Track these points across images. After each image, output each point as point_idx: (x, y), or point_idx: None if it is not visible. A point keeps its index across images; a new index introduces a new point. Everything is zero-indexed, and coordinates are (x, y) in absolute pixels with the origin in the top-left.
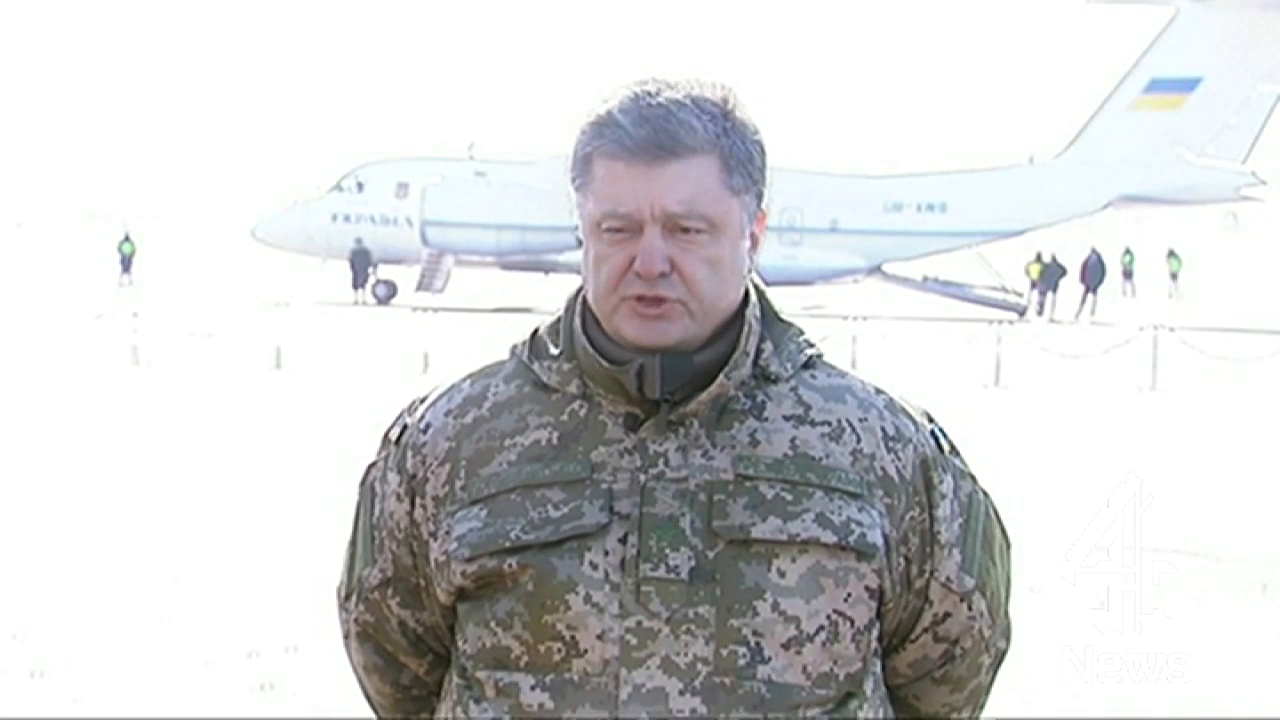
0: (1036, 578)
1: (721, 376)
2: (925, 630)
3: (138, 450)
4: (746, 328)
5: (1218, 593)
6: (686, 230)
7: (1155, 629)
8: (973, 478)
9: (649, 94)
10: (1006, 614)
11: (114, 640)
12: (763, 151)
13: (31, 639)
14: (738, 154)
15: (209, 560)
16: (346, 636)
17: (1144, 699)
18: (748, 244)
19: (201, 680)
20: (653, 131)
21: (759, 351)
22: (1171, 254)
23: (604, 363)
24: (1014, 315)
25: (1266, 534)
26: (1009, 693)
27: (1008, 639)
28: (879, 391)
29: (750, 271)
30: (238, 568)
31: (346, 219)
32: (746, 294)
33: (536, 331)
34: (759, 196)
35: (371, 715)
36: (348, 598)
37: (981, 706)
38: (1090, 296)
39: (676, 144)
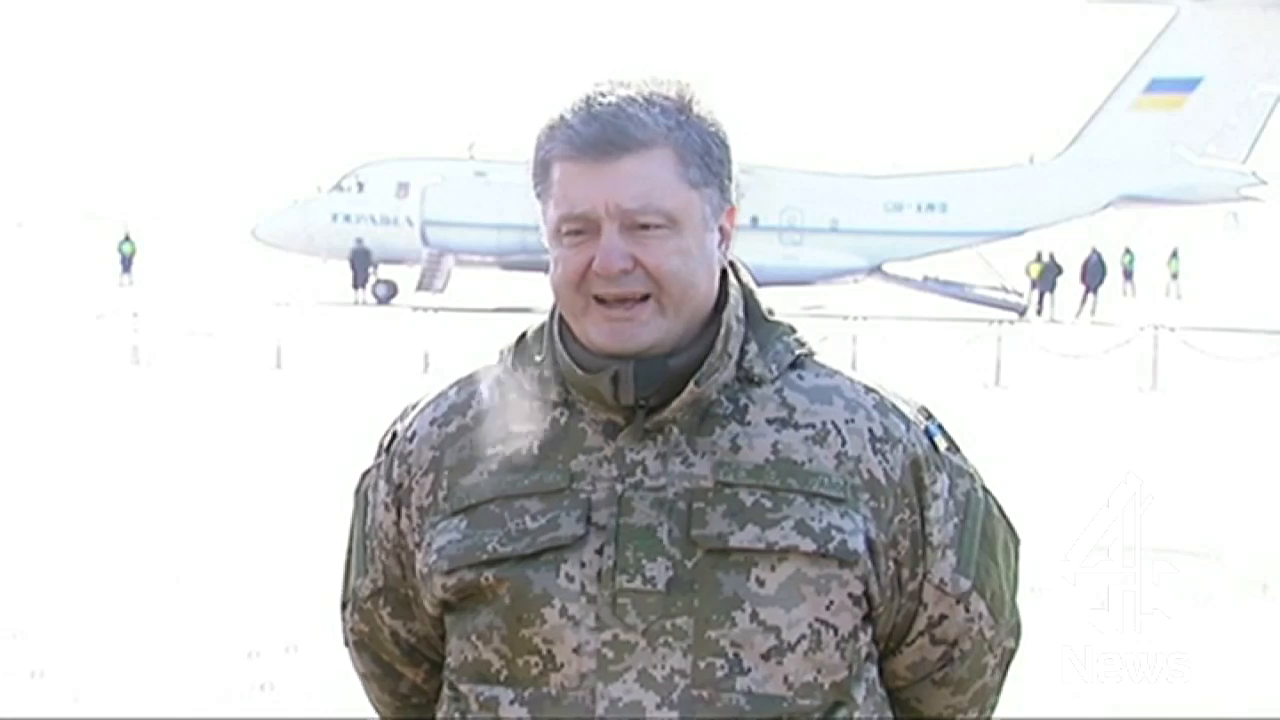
0: (1037, 578)
1: (691, 384)
2: (921, 633)
3: (138, 450)
4: (725, 329)
5: (1218, 593)
6: (645, 226)
7: (1155, 629)
8: (972, 475)
9: (601, 94)
10: (1014, 612)
11: (114, 640)
12: (723, 144)
13: (31, 639)
14: (693, 146)
15: (209, 560)
16: (346, 645)
17: (1144, 699)
18: (715, 238)
19: (201, 680)
20: (602, 128)
21: (743, 353)
22: (1173, 254)
23: (579, 370)
24: (1014, 315)
25: (1266, 534)
26: (1009, 693)
27: (1017, 638)
28: (869, 390)
29: (723, 266)
30: (238, 568)
31: (347, 219)
32: (726, 295)
33: (523, 336)
34: (723, 190)
35: (372, 715)
36: (344, 607)
37: (992, 707)
38: (1091, 296)
39: (626, 139)
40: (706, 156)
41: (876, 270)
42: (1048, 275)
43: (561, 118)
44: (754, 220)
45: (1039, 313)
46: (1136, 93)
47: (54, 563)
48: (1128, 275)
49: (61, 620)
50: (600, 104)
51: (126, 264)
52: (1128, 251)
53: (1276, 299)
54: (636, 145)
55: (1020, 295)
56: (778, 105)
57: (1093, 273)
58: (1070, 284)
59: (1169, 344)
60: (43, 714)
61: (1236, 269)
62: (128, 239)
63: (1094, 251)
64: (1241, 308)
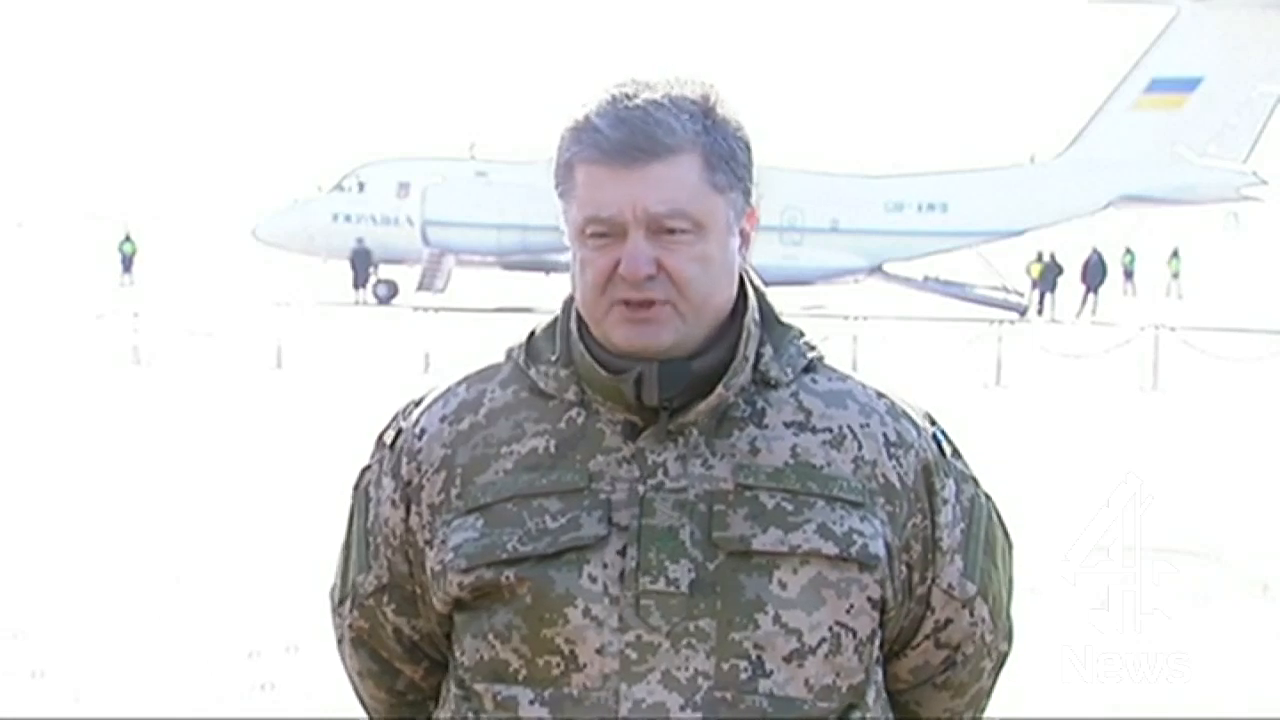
0: (1036, 578)
1: (720, 386)
2: (927, 637)
3: (138, 450)
4: (745, 333)
5: (1218, 593)
6: (671, 231)
7: (1155, 629)
8: (975, 481)
9: (627, 96)
10: (1009, 617)
11: (114, 640)
12: (747, 148)
13: (32, 639)
14: (719, 151)
15: (209, 560)
16: (340, 641)
17: (1144, 699)
18: (737, 242)
19: (201, 680)
20: (630, 133)
21: (758, 356)
22: (1174, 254)
23: (601, 371)
24: (1014, 315)
25: (1266, 534)
26: (1009, 693)
27: (1010, 642)
28: (880, 395)
29: (741, 269)
30: (238, 568)
31: (347, 219)
32: (745, 297)
33: (533, 334)
34: (746, 193)
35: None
36: (341, 603)
37: (983, 710)
38: (1091, 296)
39: (655, 144)
40: (732, 161)
41: (877, 270)
42: (1048, 275)
43: (587, 119)
44: None
45: (1039, 313)
46: (1137, 93)
47: (54, 563)
48: (1128, 275)
49: (62, 620)
50: (627, 107)
51: (127, 264)
52: (1128, 251)
53: (1276, 299)
54: (664, 151)
55: (1021, 295)
56: (778, 105)
57: (1093, 273)
58: (1070, 284)
59: (1169, 344)
60: (43, 714)
61: (1236, 269)
62: (128, 239)
63: (1094, 251)
64: (1241, 308)
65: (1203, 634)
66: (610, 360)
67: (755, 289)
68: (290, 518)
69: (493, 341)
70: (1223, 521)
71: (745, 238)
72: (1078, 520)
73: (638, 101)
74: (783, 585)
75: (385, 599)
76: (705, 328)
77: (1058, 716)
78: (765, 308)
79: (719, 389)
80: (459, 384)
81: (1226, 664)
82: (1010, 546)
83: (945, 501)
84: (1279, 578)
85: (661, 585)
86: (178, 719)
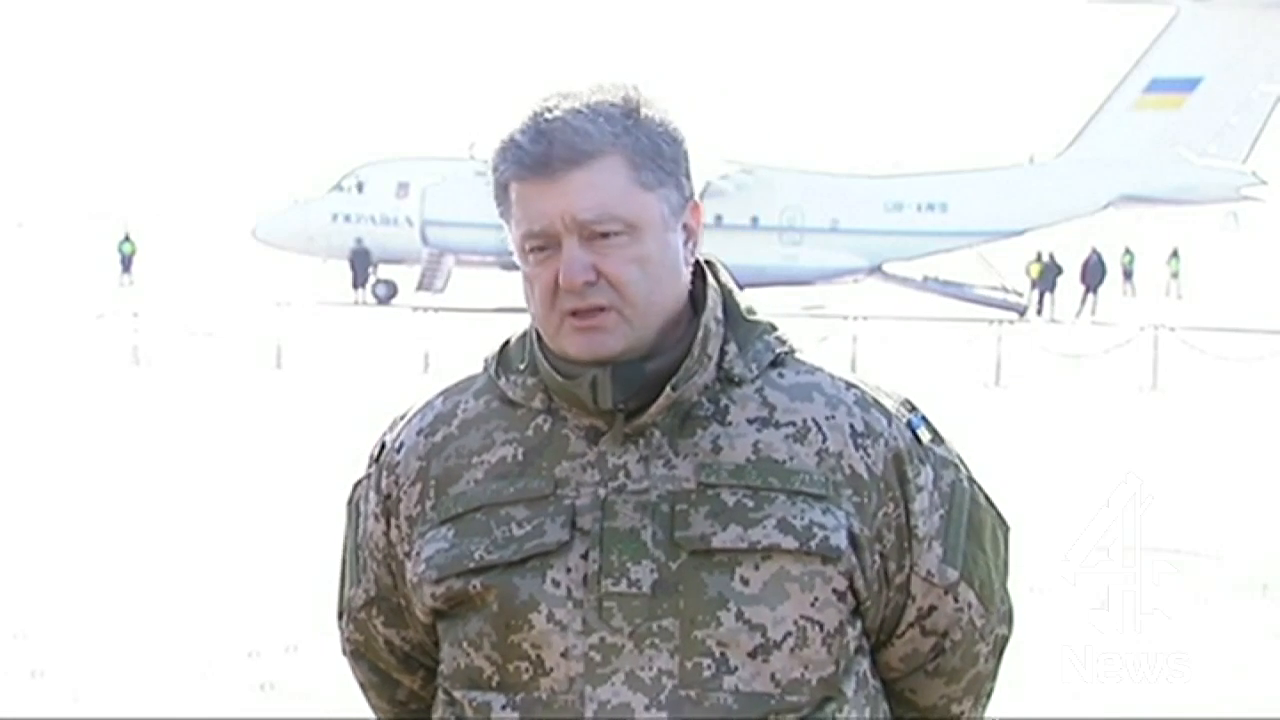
0: (1037, 578)
1: (668, 388)
2: (911, 625)
3: (138, 450)
4: (703, 332)
5: (1218, 593)
6: (605, 235)
7: (1155, 629)
8: (956, 465)
9: (547, 109)
10: (1005, 600)
11: (114, 640)
12: (674, 142)
13: (32, 638)
14: (643, 149)
15: (209, 560)
16: (344, 654)
17: (1144, 699)
18: (679, 237)
19: (201, 680)
20: (550, 144)
21: (722, 354)
22: (1173, 254)
23: (558, 377)
24: (1014, 315)
25: (1267, 534)
26: (1009, 693)
27: (1010, 625)
28: (850, 386)
29: (689, 262)
30: (238, 568)
31: (347, 219)
32: (706, 296)
33: (507, 344)
34: (680, 188)
35: (370, 715)
36: (340, 617)
37: (988, 694)
38: (1091, 296)
39: (575, 152)
40: (658, 157)
41: (877, 270)
42: (1048, 275)
43: (511, 138)
44: (754, 220)
45: (1039, 313)
46: (1136, 93)
47: (54, 563)
48: (1128, 275)
49: (62, 620)
50: (546, 120)
51: (126, 264)
52: (1128, 251)
53: (1276, 299)
54: (584, 157)
55: (1020, 295)
56: (778, 105)
57: (1093, 273)
58: (1070, 284)
59: (1169, 344)
60: (43, 714)
61: (1236, 269)
62: (128, 239)
63: (1094, 251)
64: (1241, 308)
65: (1203, 634)
66: (568, 366)
67: (722, 285)
68: (290, 517)
69: (492, 342)
70: (1223, 521)
71: (690, 232)
72: (1078, 520)
73: (557, 113)
74: (744, 582)
75: (374, 612)
76: (655, 328)
77: (1058, 716)
78: (730, 304)
79: (666, 390)
80: (437, 396)
81: (1226, 664)
82: (1006, 529)
83: (920, 489)
84: (1279, 578)
85: (623, 587)
86: (178, 719)
